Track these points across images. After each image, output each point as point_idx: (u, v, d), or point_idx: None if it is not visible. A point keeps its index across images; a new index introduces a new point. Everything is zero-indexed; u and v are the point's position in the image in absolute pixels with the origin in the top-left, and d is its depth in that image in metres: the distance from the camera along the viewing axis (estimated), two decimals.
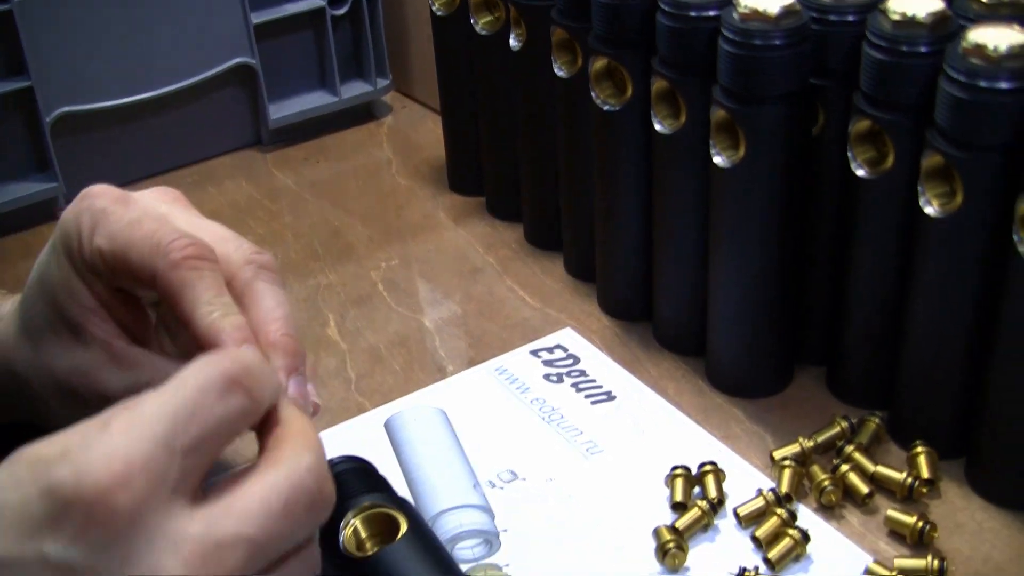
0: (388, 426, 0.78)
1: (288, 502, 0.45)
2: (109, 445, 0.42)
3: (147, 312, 0.60)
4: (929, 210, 0.67)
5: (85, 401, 0.59)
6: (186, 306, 0.53)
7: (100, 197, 0.56)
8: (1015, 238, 0.63)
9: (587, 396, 0.80)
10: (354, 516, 0.60)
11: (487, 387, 0.81)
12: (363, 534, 0.60)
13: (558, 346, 0.85)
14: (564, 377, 0.82)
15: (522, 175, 0.95)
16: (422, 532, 0.61)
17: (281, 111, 1.11)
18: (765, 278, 0.76)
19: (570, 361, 0.83)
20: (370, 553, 0.58)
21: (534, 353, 0.84)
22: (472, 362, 0.84)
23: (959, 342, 0.70)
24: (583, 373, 0.82)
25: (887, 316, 0.74)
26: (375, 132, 1.15)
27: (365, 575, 0.54)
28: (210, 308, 0.52)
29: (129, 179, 1.06)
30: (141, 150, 1.08)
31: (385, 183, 1.07)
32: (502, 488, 0.73)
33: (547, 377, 0.82)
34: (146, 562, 0.42)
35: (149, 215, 0.56)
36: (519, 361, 0.83)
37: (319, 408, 0.57)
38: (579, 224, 0.90)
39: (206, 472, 0.45)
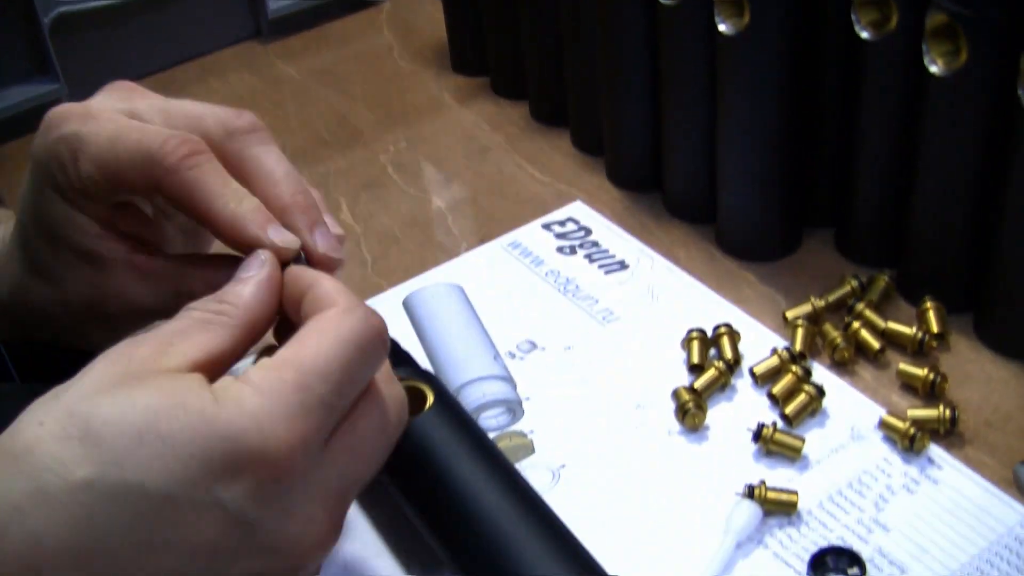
0: (407, 304, 0.78)
1: (388, 442, 0.48)
2: (289, 404, 0.43)
3: (152, 215, 0.59)
4: (934, 69, 0.66)
5: (122, 319, 0.57)
6: (199, 205, 0.51)
7: (65, 121, 0.53)
8: (1020, 93, 0.63)
9: (600, 266, 0.80)
10: None
11: (501, 262, 0.81)
12: None
13: (569, 219, 0.84)
14: (577, 249, 0.81)
15: (526, 52, 0.94)
16: (449, 403, 0.61)
17: (280, 0, 1.09)
18: (772, 143, 0.75)
19: (582, 233, 0.83)
20: None
21: (546, 227, 0.84)
22: (485, 239, 0.83)
23: (966, 198, 0.70)
24: (595, 244, 0.82)
25: (894, 176, 0.73)
26: (375, 18, 1.14)
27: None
28: (223, 201, 0.51)
29: (131, 76, 1.04)
30: (141, 47, 1.06)
31: (387, 68, 1.06)
32: (522, 358, 0.73)
33: (560, 250, 0.82)
34: (303, 511, 0.44)
35: (123, 125, 0.53)
36: (531, 235, 0.83)
37: (343, 262, 0.57)
38: (585, 98, 0.89)
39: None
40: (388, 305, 0.77)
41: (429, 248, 0.83)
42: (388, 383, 0.49)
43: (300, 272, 0.50)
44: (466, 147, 0.94)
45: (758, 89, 0.73)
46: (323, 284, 0.49)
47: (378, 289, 0.79)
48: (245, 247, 0.51)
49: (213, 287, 0.53)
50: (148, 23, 1.05)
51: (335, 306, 0.47)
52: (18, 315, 0.59)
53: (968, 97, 0.66)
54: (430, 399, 0.60)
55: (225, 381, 0.43)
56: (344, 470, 0.46)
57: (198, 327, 0.46)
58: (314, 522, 0.44)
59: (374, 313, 0.47)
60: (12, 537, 0.40)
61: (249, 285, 0.48)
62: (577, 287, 0.78)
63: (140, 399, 0.42)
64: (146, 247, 0.56)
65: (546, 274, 0.79)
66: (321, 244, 0.53)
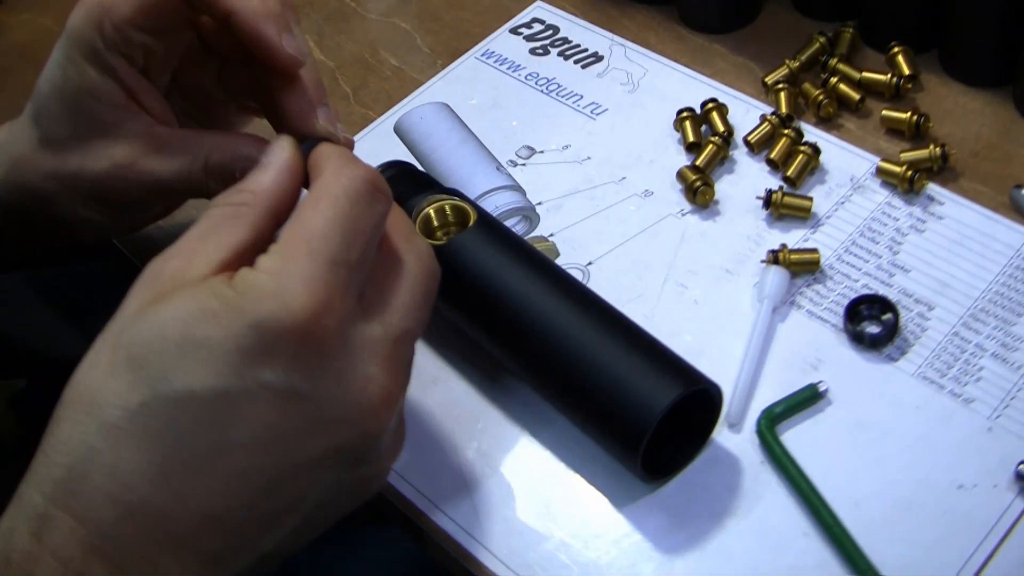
0: (398, 129, 0.75)
1: (426, 292, 0.47)
2: (301, 271, 0.41)
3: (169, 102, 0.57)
4: None
5: (121, 202, 0.56)
6: (224, 3, 0.51)
7: None
8: None
9: (576, 61, 0.77)
10: (428, 206, 0.59)
11: (480, 74, 0.78)
12: (435, 224, 0.59)
13: (535, 20, 0.81)
14: (549, 48, 0.79)
15: None
16: (489, 219, 0.59)
17: None
18: None
19: (550, 32, 0.80)
20: (445, 241, 0.57)
21: (514, 31, 0.81)
22: (457, 52, 0.80)
23: None
24: (566, 40, 0.79)
25: None
26: None
27: (444, 262, 0.52)
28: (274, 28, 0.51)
29: None
30: None
31: None
32: (524, 165, 0.71)
33: (533, 52, 0.79)
34: (356, 373, 0.42)
35: None
36: (502, 42, 0.80)
37: (353, 143, 0.55)
38: None
39: (366, 275, 0.45)
40: (381, 133, 0.75)
41: (405, 69, 0.80)
42: (407, 238, 0.48)
43: (318, 152, 0.48)
44: None
45: None
46: (319, 152, 0.47)
47: (367, 120, 0.77)
48: (262, 48, 0.51)
49: (230, 157, 0.52)
50: None
51: (323, 172, 0.45)
52: (12, 196, 0.57)
53: None
54: (472, 216, 0.59)
55: (241, 274, 0.42)
56: (386, 324, 0.45)
57: (220, 225, 0.44)
58: (372, 380, 0.43)
59: (361, 165, 0.46)
60: (94, 477, 0.39)
61: (269, 171, 0.46)
62: (559, 86, 0.76)
63: (169, 313, 0.41)
64: (165, 121, 0.55)
65: (526, 77, 0.77)
66: (323, 118, 0.53)
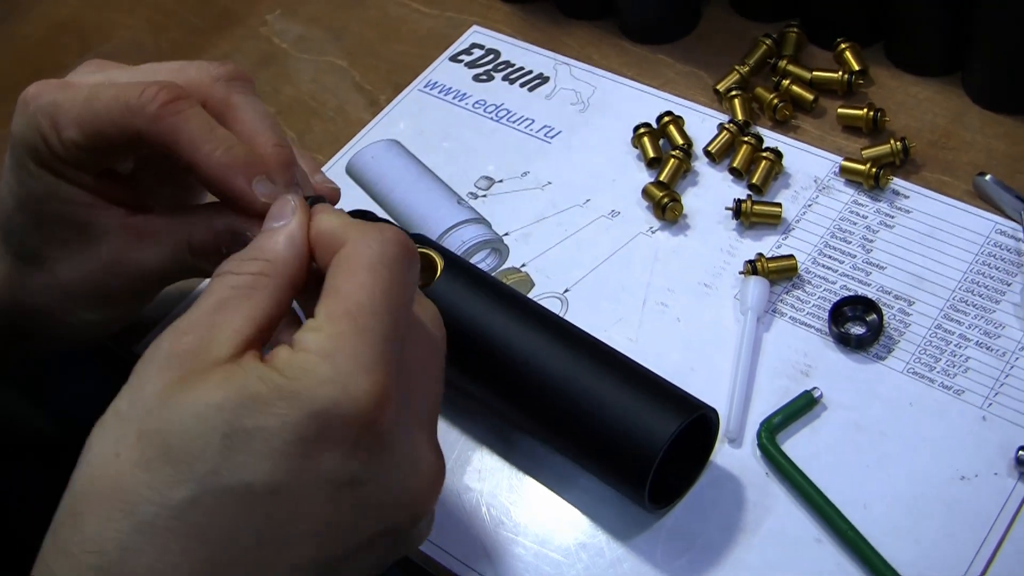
0: (351, 172, 0.76)
1: (444, 356, 0.48)
2: (358, 353, 0.41)
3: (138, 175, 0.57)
4: None
5: (117, 298, 0.56)
6: (185, 153, 0.49)
7: (41, 94, 0.51)
8: None
9: (522, 84, 0.79)
10: None
11: (426, 106, 0.79)
12: None
13: (474, 45, 0.83)
14: (493, 73, 0.80)
15: None
16: (457, 263, 0.60)
17: None
18: None
19: (491, 56, 0.82)
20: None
21: (454, 59, 0.82)
22: (398, 86, 0.81)
23: None
24: (509, 64, 0.81)
25: None
26: None
27: None
28: (210, 147, 0.49)
29: None
30: None
31: None
32: (485, 196, 0.72)
33: (477, 78, 0.80)
34: (412, 457, 0.43)
35: (98, 85, 0.51)
36: (444, 71, 0.81)
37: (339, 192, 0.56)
38: None
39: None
40: (332, 177, 0.75)
41: (349, 110, 0.81)
42: (419, 302, 0.48)
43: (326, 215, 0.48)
44: None
45: None
46: (325, 222, 0.46)
47: (317, 164, 0.77)
48: (233, 199, 0.49)
49: (212, 235, 0.51)
50: None
51: (346, 242, 0.44)
52: (11, 317, 0.56)
53: None
54: (440, 263, 0.59)
55: (283, 355, 0.41)
56: (424, 394, 0.45)
57: (237, 297, 0.43)
58: (421, 458, 0.43)
59: (388, 228, 0.45)
60: (126, 567, 0.38)
61: (282, 236, 0.45)
62: (508, 111, 0.77)
63: (209, 401, 0.39)
64: (139, 209, 0.54)
65: (474, 105, 0.78)
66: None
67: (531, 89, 0.78)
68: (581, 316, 0.64)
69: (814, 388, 0.58)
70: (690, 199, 0.69)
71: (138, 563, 0.38)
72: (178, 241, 0.53)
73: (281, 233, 0.46)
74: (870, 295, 0.62)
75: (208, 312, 0.42)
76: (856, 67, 0.72)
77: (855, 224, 0.65)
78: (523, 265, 0.68)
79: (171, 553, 0.38)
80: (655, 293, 0.65)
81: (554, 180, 0.72)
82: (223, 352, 0.41)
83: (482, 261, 0.69)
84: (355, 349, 0.41)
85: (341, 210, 0.49)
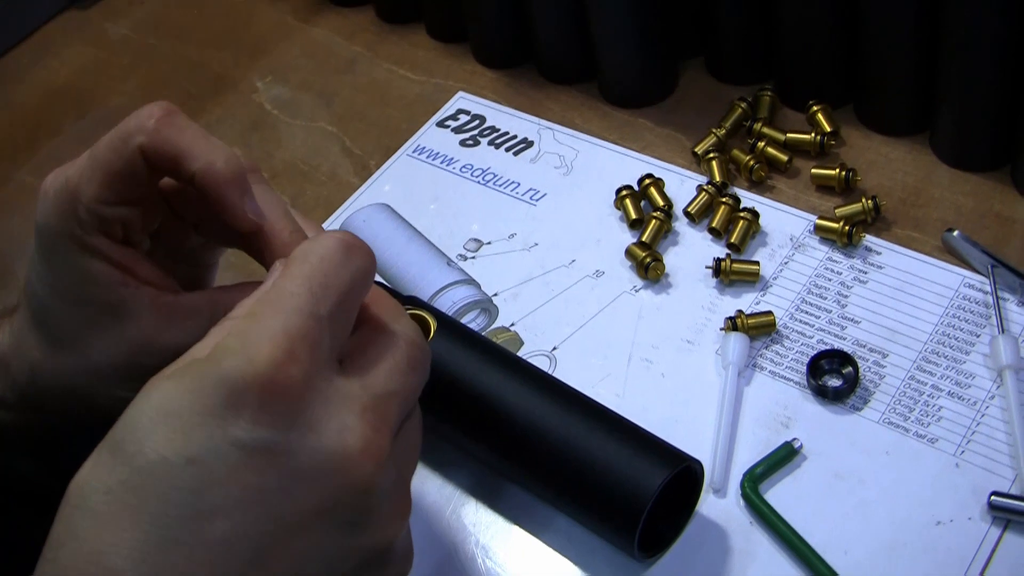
0: None
1: (412, 359, 0.48)
2: (265, 327, 0.43)
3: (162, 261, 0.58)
4: None
5: (151, 373, 0.56)
6: (185, 163, 0.51)
7: (53, 177, 0.54)
8: None
9: (507, 149, 0.82)
10: None
11: (415, 170, 0.83)
12: None
13: (460, 111, 0.86)
14: (479, 138, 0.84)
15: None
16: (449, 324, 0.63)
17: None
18: None
19: (477, 122, 0.85)
20: None
21: (441, 124, 0.86)
22: (388, 150, 0.85)
23: (829, 3, 0.74)
24: (494, 129, 0.84)
25: None
26: None
27: None
28: (211, 157, 0.51)
29: None
30: None
31: (218, 3, 1.04)
32: (474, 258, 0.76)
33: (463, 143, 0.84)
34: (330, 423, 0.43)
35: (96, 143, 0.53)
36: (431, 136, 0.85)
37: None
38: None
39: (347, 335, 0.47)
40: None
41: (340, 174, 0.85)
42: (395, 316, 0.50)
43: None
44: (331, 65, 0.94)
45: None
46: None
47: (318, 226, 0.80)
48: (225, 209, 0.52)
49: None
50: None
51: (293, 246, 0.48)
52: (41, 399, 0.57)
53: None
54: (433, 325, 0.62)
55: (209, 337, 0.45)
56: (366, 381, 0.46)
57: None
58: (348, 429, 0.44)
59: (337, 232, 0.48)
60: (79, 567, 0.41)
61: None
62: (495, 175, 0.81)
63: (150, 394, 0.43)
64: (167, 289, 0.56)
65: (461, 170, 0.82)
66: None
67: (516, 153, 0.82)
68: (569, 373, 0.67)
69: (794, 439, 0.61)
70: (671, 258, 0.72)
71: (85, 550, 0.41)
72: (208, 319, 0.54)
73: None
74: (846, 348, 0.65)
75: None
76: (828, 128, 0.76)
77: (830, 280, 0.69)
78: (512, 324, 0.71)
79: (108, 533, 0.41)
80: (640, 350, 0.68)
81: (540, 241, 0.75)
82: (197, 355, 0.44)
83: (473, 321, 0.72)
84: (265, 324, 0.43)
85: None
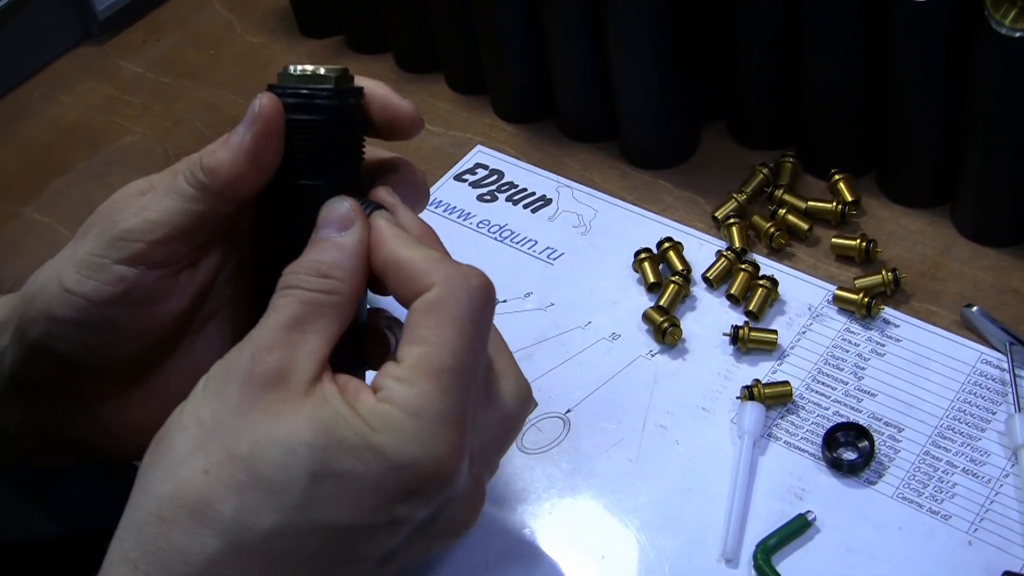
0: None
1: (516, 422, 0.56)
2: (440, 412, 0.46)
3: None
4: None
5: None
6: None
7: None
8: None
9: (525, 206, 0.86)
10: None
11: (431, 224, 0.85)
12: None
13: (478, 165, 0.89)
14: (496, 194, 0.87)
15: (387, 3, 0.97)
16: None
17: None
18: (666, 53, 0.81)
19: (495, 177, 0.88)
20: None
21: (458, 178, 0.89)
22: None
23: (854, 76, 0.77)
24: (512, 184, 0.87)
25: (779, 60, 0.80)
26: None
27: None
28: None
29: None
30: None
31: (236, 45, 1.08)
32: None
33: (481, 198, 0.87)
34: (467, 495, 0.50)
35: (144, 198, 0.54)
36: (448, 190, 0.88)
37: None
38: (457, 39, 0.93)
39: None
40: None
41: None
42: (508, 365, 0.55)
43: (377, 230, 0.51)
44: None
45: (646, 9, 0.78)
46: (404, 252, 0.50)
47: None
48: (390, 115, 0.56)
49: None
50: None
51: (433, 284, 0.48)
52: (45, 449, 0.59)
53: None
54: None
55: (367, 401, 0.46)
56: (483, 441, 0.51)
57: (312, 314, 0.48)
58: (473, 495, 0.51)
59: (474, 273, 0.50)
60: None
61: (347, 252, 0.49)
62: (512, 232, 0.84)
63: (299, 438, 0.45)
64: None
65: (478, 225, 0.85)
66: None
67: (534, 210, 0.85)
68: (583, 437, 0.70)
69: (808, 511, 0.64)
70: (689, 323, 0.75)
71: None
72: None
73: (348, 248, 0.49)
74: (861, 421, 0.68)
75: (285, 329, 0.47)
76: (849, 198, 0.79)
77: (847, 352, 0.72)
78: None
79: (251, 572, 0.45)
80: (655, 415, 0.70)
81: (556, 301, 0.78)
82: (306, 376, 0.47)
83: None
84: (438, 409, 0.46)
85: (400, 229, 0.51)
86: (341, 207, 0.50)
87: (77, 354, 0.53)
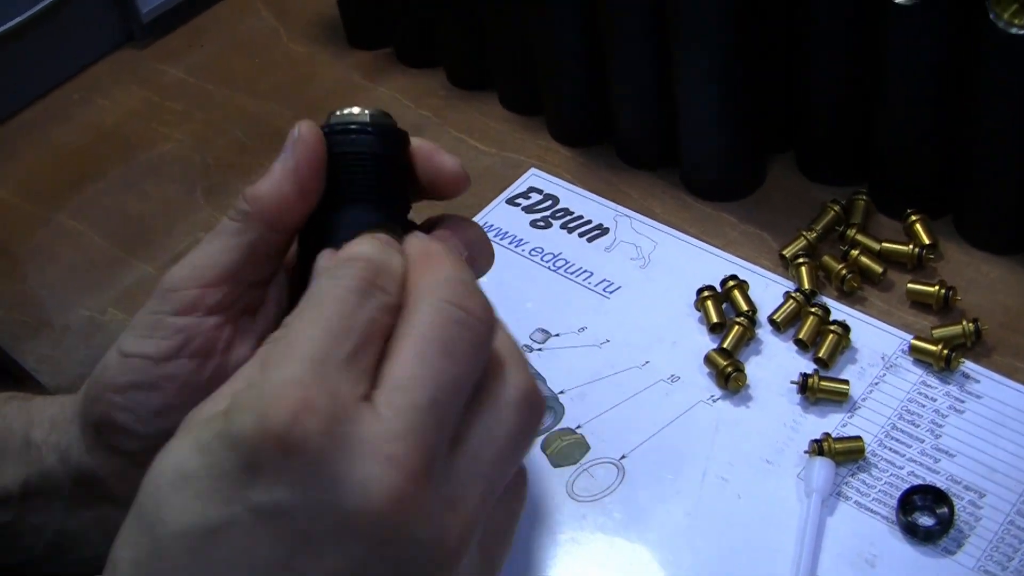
0: None
1: (443, 342, 0.42)
2: (277, 378, 0.40)
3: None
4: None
5: None
6: None
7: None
8: (990, 14, 0.66)
9: (580, 235, 0.82)
10: None
11: None
12: None
13: (532, 189, 0.86)
14: (551, 220, 0.83)
15: (437, 16, 0.93)
16: None
17: (150, 2, 1.06)
18: (733, 82, 0.77)
19: (550, 202, 0.85)
20: None
21: (511, 202, 0.85)
22: None
23: (933, 113, 0.73)
24: (567, 211, 0.84)
25: (853, 94, 0.77)
26: (248, 1, 1.11)
27: None
28: None
29: (10, 111, 1.02)
30: (12, 78, 1.02)
31: (280, 54, 1.05)
32: (540, 350, 0.75)
33: (534, 224, 0.83)
34: (355, 475, 0.40)
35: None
36: (500, 213, 0.84)
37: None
38: (513, 57, 0.90)
39: (375, 370, 0.42)
40: None
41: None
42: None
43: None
44: None
45: (713, 33, 0.75)
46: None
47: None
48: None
49: None
50: (15, 51, 1.01)
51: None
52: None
53: (932, 24, 0.69)
54: None
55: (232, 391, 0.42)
56: (388, 415, 0.41)
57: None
58: (372, 480, 0.40)
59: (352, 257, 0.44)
60: None
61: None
62: (566, 261, 0.80)
63: (168, 452, 0.41)
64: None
65: (530, 252, 0.81)
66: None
67: (590, 240, 0.81)
68: (638, 484, 0.66)
69: None
70: (753, 368, 0.71)
71: None
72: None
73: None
74: (939, 483, 0.64)
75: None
76: (926, 241, 0.75)
77: (923, 407, 0.68)
78: (578, 427, 0.70)
79: None
80: (715, 466, 0.67)
81: (612, 338, 0.74)
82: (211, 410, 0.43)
83: None
84: (279, 373, 0.40)
85: None
86: (370, 239, 0.46)
87: (141, 423, 0.52)
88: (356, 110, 0.52)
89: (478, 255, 0.55)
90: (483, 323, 0.44)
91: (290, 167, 0.50)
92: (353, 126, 0.51)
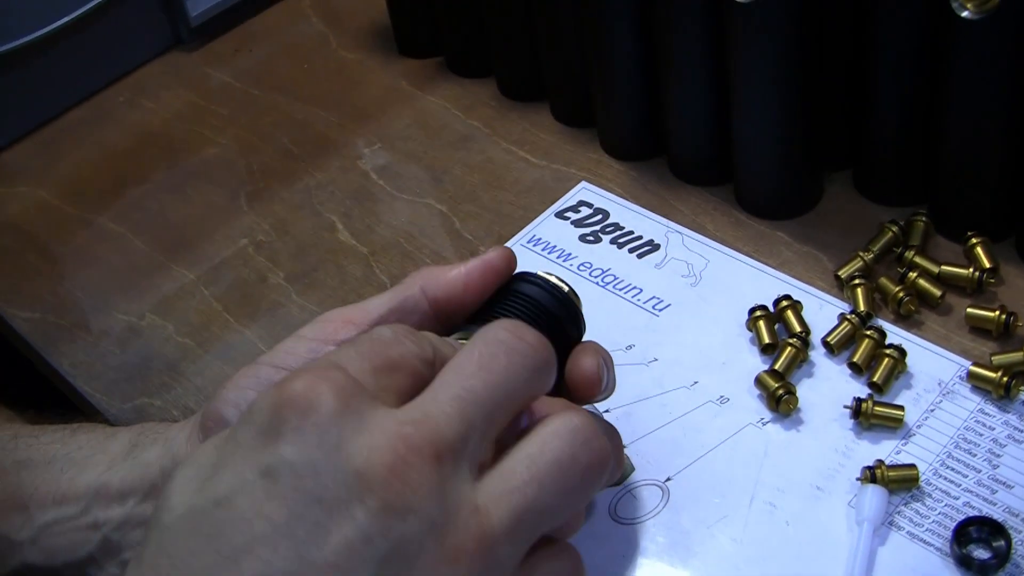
0: None
1: (482, 356, 0.46)
2: (314, 363, 0.46)
3: None
4: (965, 14, 0.67)
5: None
6: None
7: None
8: None
9: (631, 250, 0.81)
10: None
11: (529, 262, 0.81)
12: None
13: (581, 203, 0.85)
14: (600, 235, 0.82)
15: (489, 25, 0.93)
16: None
17: (199, 5, 1.06)
18: (792, 100, 0.76)
19: (599, 217, 0.84)
20: None
21: (560, 215, 0.84)
22: (501, 237, 0.83)
23: (1000, 133, 0.72)
24: (617, 227, 0.82)
25: (917, 114, 0.75)
26: (298, 6, 1.11)
27: None
28: None
29: (56, 111, 1.02)
30: (59, 79, 1.02)
31: (329, 60, 1.04)
32: None
33: (583, 238, 0.82)
34: (362, 441, 0.42)
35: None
36: (549, 227, 0.83)
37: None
38: (566, 68, 0.89)
39: (403, 393, 0.46)
40: None
41: (446, 255, 0.83)
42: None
43: None
44: (444, 138, 0.93)
45: (775, 51, 0.74)
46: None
47: None
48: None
49: None
50: (63, 53, 1.01)
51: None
52: None
53: (1000, 39, 0.68)
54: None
55: None
56: (417, 417, 0.45)
57: None
58: (376, 449, 0.42)
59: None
60: None
61: None
62: (615, 277, 0.79)
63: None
64: None
65: (579, 267, 0.80)
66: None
67: (640, 256, 0.80)
68: (683, 508, 0.65)
69: None
70: (804, 391, 0.69)
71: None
72: None
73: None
74: (995, 515, 0.62)
75: None
76: (987, 264, 0.73)
77: (981, 435, 0.66)
78: (624, 447, 0.68)
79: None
80: (764, 491, 0.65)
81: (660, 357, 0.73)
82: None
83: None
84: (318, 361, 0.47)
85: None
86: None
87: None
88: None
89: None
90: (532, 348, 0.47)
91: (469, 267, 0.61)
92: (542, 281, 0.60)
